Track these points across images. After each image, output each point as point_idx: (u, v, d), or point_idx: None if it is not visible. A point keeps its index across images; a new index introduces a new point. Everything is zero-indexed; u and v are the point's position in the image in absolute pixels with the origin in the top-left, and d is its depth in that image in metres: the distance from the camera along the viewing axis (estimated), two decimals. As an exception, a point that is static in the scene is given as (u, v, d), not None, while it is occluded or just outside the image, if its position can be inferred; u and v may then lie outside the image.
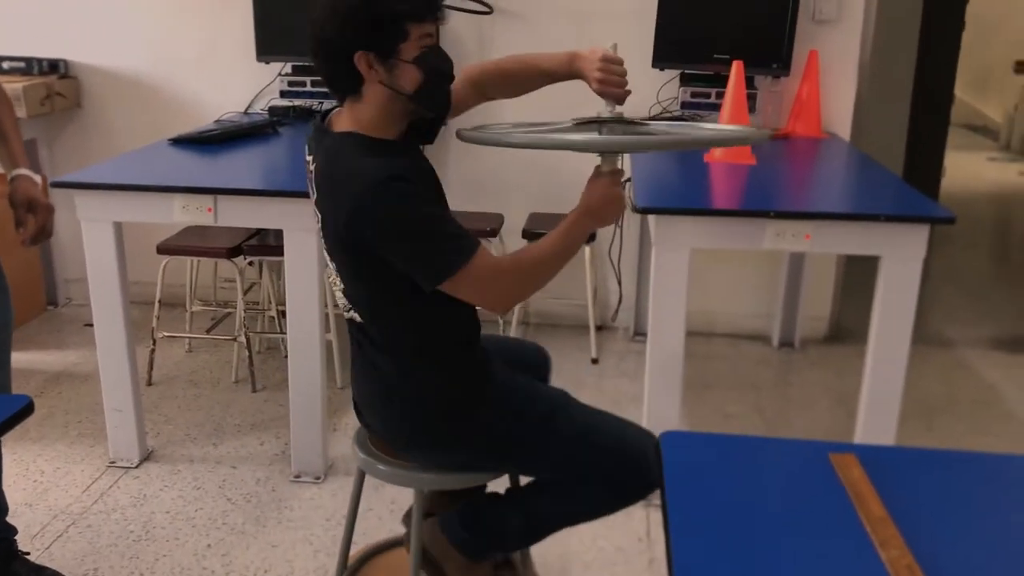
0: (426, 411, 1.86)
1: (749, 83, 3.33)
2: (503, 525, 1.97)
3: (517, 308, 3.86)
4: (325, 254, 1.85)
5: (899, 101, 5.36)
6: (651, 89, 3.78)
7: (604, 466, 1.86)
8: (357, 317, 1.85)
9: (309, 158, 1.82)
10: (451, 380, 1.86)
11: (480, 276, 1.69)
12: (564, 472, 1.90)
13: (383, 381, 1.87)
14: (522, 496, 2.00)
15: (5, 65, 3.99)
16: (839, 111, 3.82)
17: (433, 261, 1.68)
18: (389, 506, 2.71)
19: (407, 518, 2.14)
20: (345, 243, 1.74)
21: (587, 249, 3.70)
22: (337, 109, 1.83)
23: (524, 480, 2.04)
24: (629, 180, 1.84)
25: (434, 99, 1.79)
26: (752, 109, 3.35)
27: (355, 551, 2.23)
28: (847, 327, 4.14)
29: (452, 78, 1.83)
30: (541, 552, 2.50)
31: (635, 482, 1.87)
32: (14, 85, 3.78)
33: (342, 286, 1.83)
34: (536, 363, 2.16)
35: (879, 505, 1.18)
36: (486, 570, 2.04)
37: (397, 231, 1.67)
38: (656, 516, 2.71)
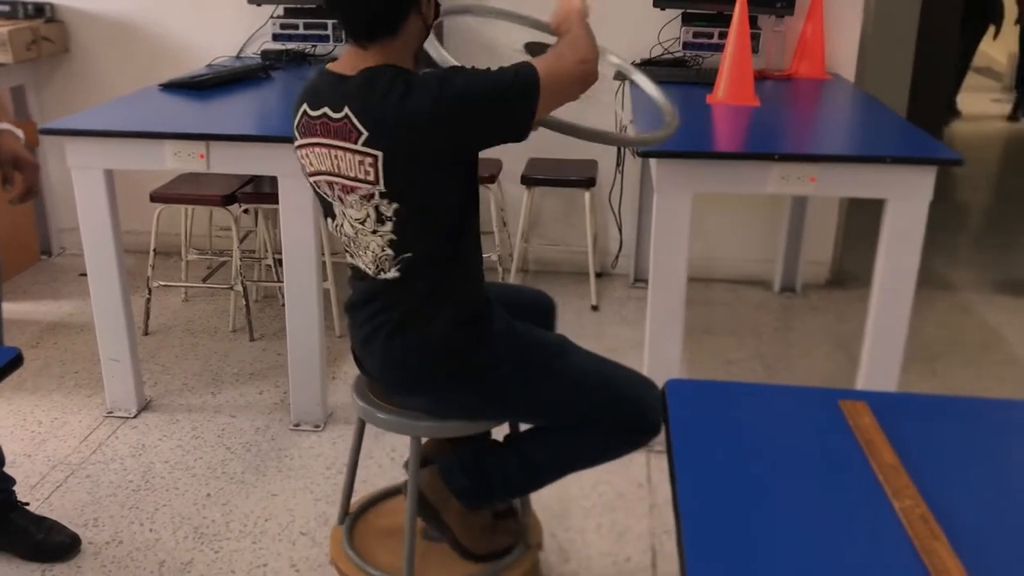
0: (428, 349, 1.83)
1: (752, 23, 3.25)
2: (502, 473, 1.97)
3: (515, 255, 3.82)
4: (370, 208, 1.74)
5: (904, 42, 5.26)
6: (652, 29, 3.69)
7: (602, 412, 1.87)
8: (393, 272, 1.79)
9: (320, 111, 1.72)
10: (457, 319, 1.82)
11: (549, 65, 1.72)
12: (561, 418, 1.90)
13: (390, 320, 1.83)
14: (521, 443, 1.99)
15: (-10, 9, 3.90)
16: (844, 52, 3.74)
17: (516, 93, 1.68)
18: (389, 454, 2.70)
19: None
20: (422, 159, 1.69)
21: (587, 195, 3.65)
22: (342, 58, 1.77)
23: (523, 427, 2.03)
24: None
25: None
26: (755, 50, 3.28)
27: (356, 499, 2.22)
28: (849, 272, 4.10)
29: None
30: (540, 497, 2.49)
31: (634, 429, 1.88)
32: (-1, 29, 3.70)
33: (391, 236, 1.76)
34: (540, 310, 2.13)
35: (891, 453, 1.16)
36: (484, 518, 2.03)
37: (476, 100, 1.67)
38: (657, 462, 2.70)
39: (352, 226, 1.79)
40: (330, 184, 1.77)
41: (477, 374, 1.85)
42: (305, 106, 1.76)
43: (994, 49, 9.74)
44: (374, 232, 1.76)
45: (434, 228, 1.77)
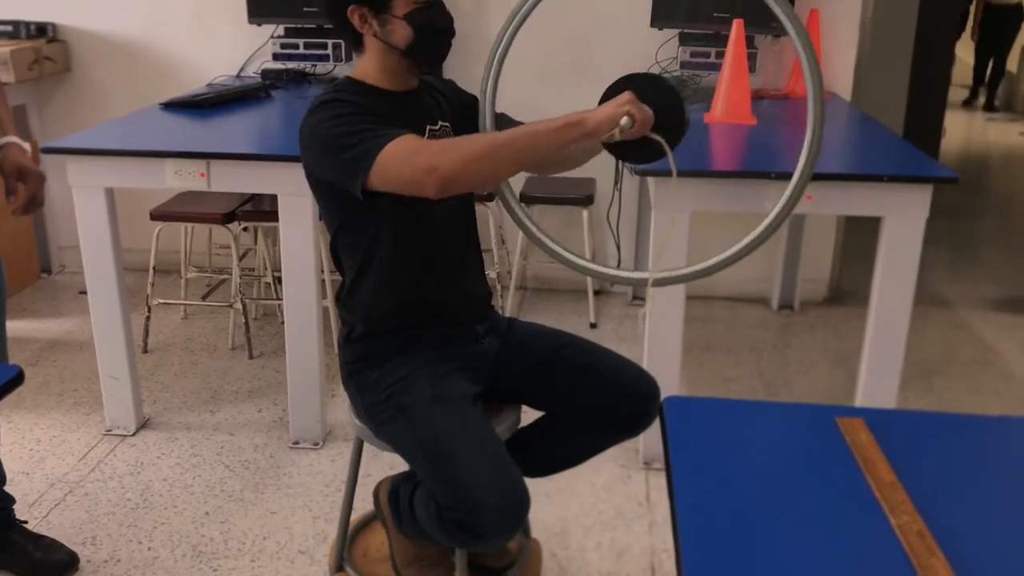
0: (340, 347, 1.93)
1: (749, 42, 3.27)
2: (407, 504, 1.87)
3: (514, 273, 3.83)
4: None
5: (900, 61, 5.30)
6: (649, 49, 3.72)
7: (433, 485, 1.73)
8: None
9: None
10: (355, 331, 1.89)
11: (400, 153, 1.62)
12: (417, 471, 1.83)
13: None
14: (415, 485, 1.88)
15: (-8, 29, 3.92)
16: (840, 71, 3.77)
17: (353, 156, 1.66)
18: (388, 472, 2.69)
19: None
20: (307, 171, 1.80)
21: (585, 212, 3.66)
22: None
23: None
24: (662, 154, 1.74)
25: (426, 56, 1.80)
26: (752, 69, 3.29)
27: (354, 517, 2.22)
28: (847, 289, 4.11)
29: (448, 34, 1.82)
30: (540, 516, 2.49)
31: (454, 523, 1.67)
32: (1, 49, 3.72)
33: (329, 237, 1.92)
34: (632, 397, 1.91)
35: (888, 470, 1.16)
36: (421, 547, 1.98)
37: (319, 142, 1.71)
38: (656, 479, 2.70)
39: None
40: None
41: (361, 386, 1.88)
42: None
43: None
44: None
45: (341, 238, 1.86)
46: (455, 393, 1.78)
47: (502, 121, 1.95)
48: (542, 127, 1.63)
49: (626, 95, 1.62)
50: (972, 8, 8.82)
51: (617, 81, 1.71)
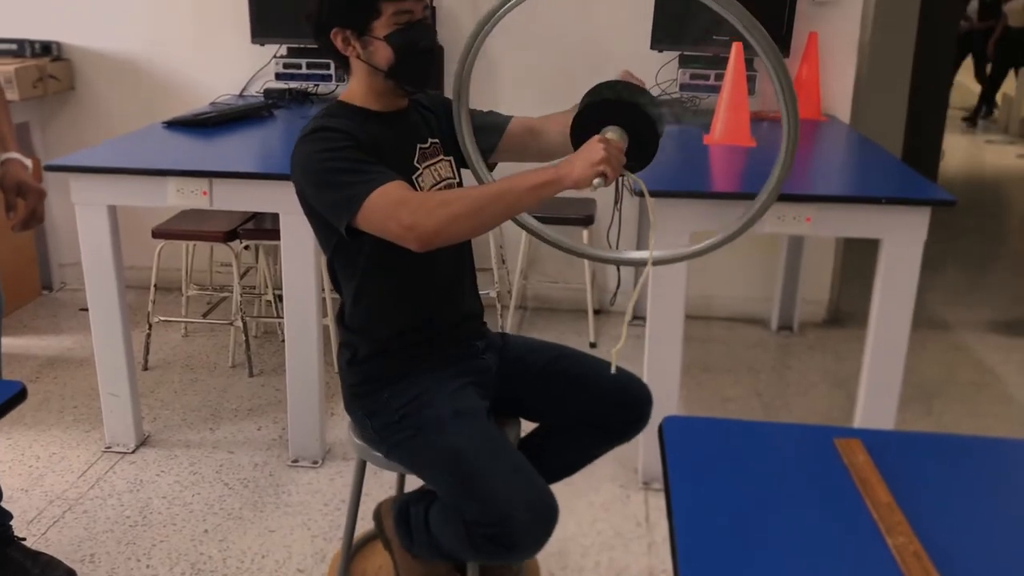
0: (341, 372, 1.94)
1: (749, 65, 3.30)
2: (417, 523, 1.87)
3: (514, 292, 3.84)
4: None
5: (898, 83, 5.33)
6: (650, 71, 3.74)
7: (456, 501, 1.73)
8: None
9: None
10: (357, 355, 1.88)
11: (384, 203, 1.64)
12: (436, 488, 1.82)
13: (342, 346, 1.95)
14: (432, 501, 1.87)
15: (-3, 47, 3.95)
16: (838, 93, 3.79)
17: (340, 198, 1.68)
18: (388, 491, 2.70)
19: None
20: (299, 198, 1.80)
21: (585, 233, 3.67)
22: None
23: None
24: (642, 194, 1.78)
25: (409, 76, 1.80)
26: (752, 91, 3.32)
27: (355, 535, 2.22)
28: (846, 311, 4.12)
29: (430, 54, 1.83)
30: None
31: (486, 537, 1.65)
32: (6, 68, 3.75)
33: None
34: (627, 402, 1.96)
35: (885, 491, 1.17)
36: (431, 568, 1.97)
37: (309, 174, 1.72)
38: (655, 500, 2.70)
39: None
40: None
41: (369, 409, 1.87)
42: None
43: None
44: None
45: (337, 262, 1.86)
46: (471, 407, 1.79)
47: (489, 117, 1.99)
48: (521, 185, 1.63)
49: (600, 150, 1.60)
50: (995, 31, 9.02)
51: (590, 102, 1.75)
